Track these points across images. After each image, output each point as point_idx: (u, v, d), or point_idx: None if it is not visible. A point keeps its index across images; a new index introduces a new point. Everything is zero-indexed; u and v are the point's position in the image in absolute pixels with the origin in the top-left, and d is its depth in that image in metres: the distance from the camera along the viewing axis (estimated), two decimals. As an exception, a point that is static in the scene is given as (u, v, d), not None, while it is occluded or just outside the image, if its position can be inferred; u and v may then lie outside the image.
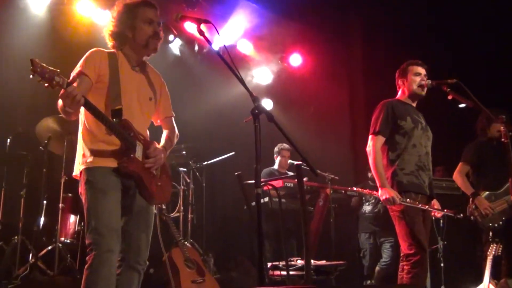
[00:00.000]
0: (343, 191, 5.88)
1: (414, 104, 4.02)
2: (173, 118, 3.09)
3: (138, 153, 2.69)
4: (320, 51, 7.67)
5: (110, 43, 2.85)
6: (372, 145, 3.81)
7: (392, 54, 6.73)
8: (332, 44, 7.72)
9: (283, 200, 5.63)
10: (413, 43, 7.02)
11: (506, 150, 3.54)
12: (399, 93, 4.07)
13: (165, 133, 3.05)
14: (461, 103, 3.65)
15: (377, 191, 3.81)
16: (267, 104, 7.74)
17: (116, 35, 2.82)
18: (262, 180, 3.27)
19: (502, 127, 3.59)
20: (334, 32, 7.83)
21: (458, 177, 4.87)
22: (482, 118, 4.84)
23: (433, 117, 4.33)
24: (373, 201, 6.47)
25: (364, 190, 4.92)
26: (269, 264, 4.37)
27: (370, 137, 3.88)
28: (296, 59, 7.63)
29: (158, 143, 2.93)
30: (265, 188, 3.36)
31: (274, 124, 2.46)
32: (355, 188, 5.24)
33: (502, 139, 3.58)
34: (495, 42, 6.69)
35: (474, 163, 4.86)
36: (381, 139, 3.83)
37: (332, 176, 5.79)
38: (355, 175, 7.57)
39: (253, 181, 2.41)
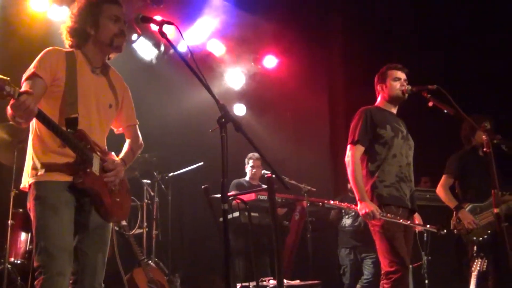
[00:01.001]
0: (320, 203, 5.93)
1: (394, 111, 4.09)
2: (137, 126, 3.08)
3: (95, 167, 2.67)
4: (297, 52, 7.74)
5: (68, 41, 2.82)
6: (351, 155, 3.87)
7: (375, 57, 6.86)
8: (310, 45, 7.80)
9: (256, 214, 5.67)
10: (397, 45, 7.17)
11: (489, 160, 3.65)
12: (379, 99, 4.15)
13: (127, 143, 3.03)
14: (442, 110, 3.74)
15: (356, 204, 3.87)
16: (240, 109, 7.78)
17: (76, 32, 2.79)
18: (230, 194, 3.30)
19: (484, 136, 3.70)
20: (312, 33, 7.92)
21: (441, 190, 4.98)
22: (465, 125, 4.96)
23: (417, 125, 4.42)
24: (353, 214, 6.54)
25: (343, 204, 4.99)
26: (238, 285, 4.38)
27: (348, 146, 3.94)
28: (270, 61, 7.69)
29: (118, 154, 2.92)
30: (235, 202, 3.39)
31: (242, 134, 2.49)
32: (332, 202, 5.31)
33: (485, 149, 3.69)
34: (482, 45, 6.88)
35: (458, 175, 4.98)
36: (360, 149, 3.90)
37: (309, 187, 5.84)
38: (334, 186, 7.65)
39: (220, 195, 2.42)
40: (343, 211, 6.67)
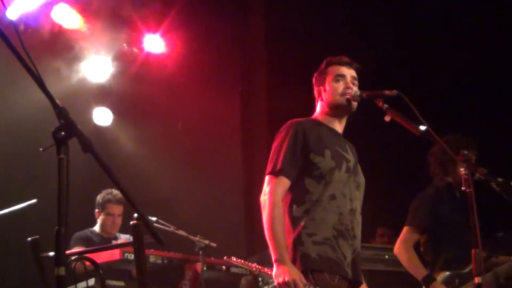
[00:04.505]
0: (224, 266, 5.94)
1: (339, 128, 4.14)
2: None
3: None
4: (195, 32, 7.82)
5: None
6: (270, 191, 3.88)
7: (311, 48, 7.08)
8: (215, 22, 7.90)
9: (120, 284, 5.59)
10: (338, 35, 7.44)
11: (469, 205, 3.78)
12: (317, 108, 4.21)
13: None
14: (405, 128, 3.84)
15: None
16: (103, 116, 7.74)
17: None
18: (75, 251, 3.25)
19: (462, 169, 3.83)
20: (223, 9, 8.03)
21: (401, 250, 5.09)
22: (437, 151, 5.15)
23: (370, 149, 4.52)
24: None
25: (255, 267, 5.03)
26: None
27: (267, 178, 3.96)
28: (154, 43, 7.75)
29: None
30: (86, 263, 3.32)
31: (92, 156, 2.48)
32: (241, 263, 5.33)
33: (463, 187, 3.82)
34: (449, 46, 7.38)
35: (426, 227, 5.14)
36: (284, 183, 3.92)
37: (207, 241, 5.86)
38: (248, 240, 7.74)
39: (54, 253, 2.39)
40: (260, 279, 6.72)
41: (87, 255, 3.21)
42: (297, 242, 3.86)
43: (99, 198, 6.54)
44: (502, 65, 7.34)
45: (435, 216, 5.13)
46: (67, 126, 2.42)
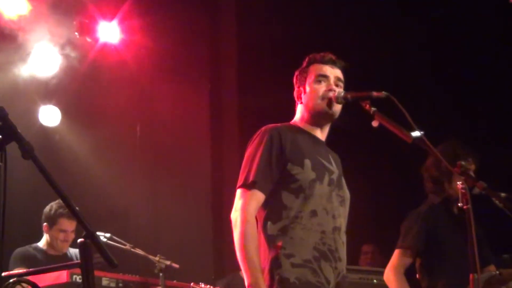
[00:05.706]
0: (187, 291, 5.96)
1: (320, 135, 4.14)
2: None
3: None
4: (160, 23, 7.81)
5: None
6: (242, 207, 3.86)
7: (285, 44, 7.10)
8: (184, 14, 7.93)
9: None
10: (312, 31, 7.49)
11: (467, 223, 3.80)
12: (297, 112, 4.22)
13: None
14: (394, 135, 3.85)
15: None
16: (50, 115, 7.70)
17: None
18: (14, 273, 3.24)
19: (460, 183, 3.85)
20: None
21: (391, 276, 5.10)
22: (430, 165, 5.18)
23: (355, 158, 4.53)
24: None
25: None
26: None
27: (238, 192, 3.94)
28: (110, 32, 7.74)
29: None
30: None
31: (34, 163, 2.48)
32: (201, 287, 5.34)
33: (460, 204, 3.84)
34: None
35: (419, 250, 5.14)
36: (257, 198, 3.89)
37: (169, 262, 5.86)
38: (216, 262, 7.73)
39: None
40: (229, 305, 6.73)
41: (29, 277, 3.19)
42: (275, 265, 3.83)
43: (49, 210, 6.43)
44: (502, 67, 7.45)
45: (429, 237, 5.11)
46: (5, 129, 2.43)
